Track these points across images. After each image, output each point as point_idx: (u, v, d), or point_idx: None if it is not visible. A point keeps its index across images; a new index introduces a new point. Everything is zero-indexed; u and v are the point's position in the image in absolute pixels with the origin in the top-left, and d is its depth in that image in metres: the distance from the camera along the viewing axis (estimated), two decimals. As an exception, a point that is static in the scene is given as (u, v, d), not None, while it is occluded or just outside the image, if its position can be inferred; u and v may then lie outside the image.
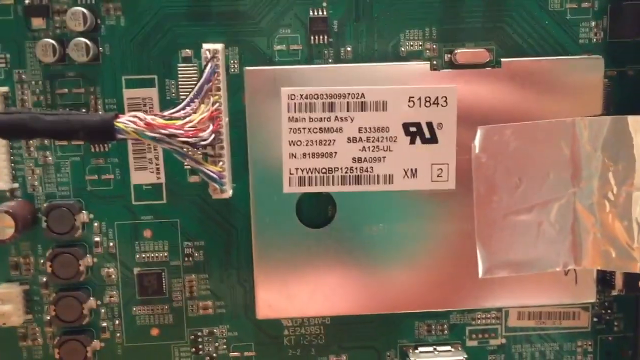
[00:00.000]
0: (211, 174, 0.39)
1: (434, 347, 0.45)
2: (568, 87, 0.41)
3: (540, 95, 0.41)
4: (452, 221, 0.42)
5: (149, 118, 0.37)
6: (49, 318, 0.43)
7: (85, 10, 0.39)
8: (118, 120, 0.36)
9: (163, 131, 0.37)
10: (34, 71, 0.41)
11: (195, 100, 0.38)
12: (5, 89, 0.40)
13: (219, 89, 0.38)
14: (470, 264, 0.42)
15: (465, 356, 0.44)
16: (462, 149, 0.41)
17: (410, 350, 0.45)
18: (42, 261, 0.42)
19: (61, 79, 0.41)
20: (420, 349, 0.45)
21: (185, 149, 0.37)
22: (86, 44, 0.39)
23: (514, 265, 0.43)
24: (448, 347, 0.45)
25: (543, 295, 0.44)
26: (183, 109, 0.38)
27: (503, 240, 0.42)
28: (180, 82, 0.41)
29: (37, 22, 0.40)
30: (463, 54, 0.41)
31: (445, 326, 0.45)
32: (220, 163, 0.39)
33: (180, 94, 0.41)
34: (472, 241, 0.42)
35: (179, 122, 0.37)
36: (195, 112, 0.38)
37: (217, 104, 0.38)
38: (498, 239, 0.42)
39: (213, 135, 0.38)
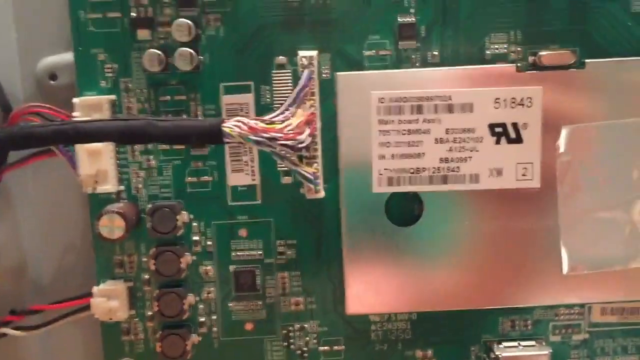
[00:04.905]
0: (307, 174, 0.41)
1: (518, 342, 0.46)
2: (651, 86, 0.42)
3: (624, 95, 0.42)
4: (536, 219, 0.43)
5: (252, 122, 0.39)
6: (150, 313, 0.45)
7: (189, 22, 0.42)
8: (224, 124, 0.38)
9: (265, 135, 0.39)
10: (138, 80, 0.43)
11: (293, 105, 0.40)
12: (112, 97, 0.43)
13: (314, 94, 0.40)
14: (555, 260, 0.44)
15: (551, 350, 0.45)
16: (547, 149, 0.42)
17: (495, 345, 0.46)
18: (144, 259, 0.45)
19: (164, 87, 0.43)
20: (505, 344, 0.46)
21: (283, 152, 0.40)
22: (191, 54, 0.42)
23: (598, 262, 0.44)
24: (532, 342, 0.46)
25: (626, 291, 0.44)
26: (282, 113, 0.40)
27: (587, 238, 0.43)
28: (274, 88, 0.43)
29: (143, 34, 0.42)
30: (548, 56, 0.42)
31: (529, 322, 0.46)
32: (315, 164, 0.41)
33: (275, 99, 0.43)
34: (556, 238, 0.43)
35: (279, 126, 0.39)
36: (293, 117, 0.40)
37: (313, 108, 0.40)
38: (582, 237, 0.43)
39: (310, 138, 0.40)
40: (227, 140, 0.38)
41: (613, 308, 0.46)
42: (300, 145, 0.40)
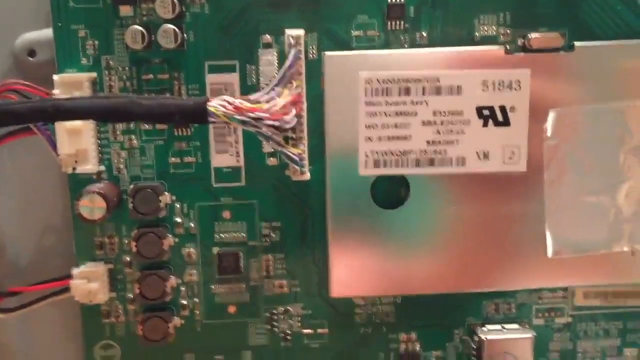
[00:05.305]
0: (292, 156, 0.40)
1: (502, 325, 0.46)
2: (639, 70, 0.42)
3: (612, 78, 0.42)
4: (522, 202, 0.43)
5: (237, 102, 0.38)
6: (132, 296, 0.44)
7: (174, -2, 0.41)
8: (209, 103, 0.37)
9: (250, 114, 0.38)
10: (120, 57, 0.42)
11: (279, 85, 0.39)
12: (93, 74, 0.42)
13: (300, 74, 0.40)
14: (539, 244, 0.44)
15: (535, 334, 0.45)
16: (533, 132, 0.42)
17: (479, 328, 0.46)
18: (126, 241, 0.44)
19: (147, 65, 0.42)
20: (488, 327, 0.46)
21: (269, 132, 0.39)
22: (174, 31, 0.41)
23: (583, 246, 0.44)
24: (516, 325, 0.46)
25: (609, 275, 0.45)
26: (268, 93, 0.39)
27: (572, 222, 0.44)
28: (261, 68, 0.42)
29: (125, 10, 0.41)
30: (537, 38, 0.42)
31: (513, 305, 0.46)
32: (301, 146, 0.40)
33: (261, 79, 0.42)
34: (541, 222, 0.43)
35: (265, 106, 0.38)
36: (279, 97, 0.39)
37: (299, 89, 0.40)
38: (567, 220, 0.43)
39: (296, 119, 0.39)
40: (212, 119, 0.37)
41: (596, 292, 0.46)
42: (286, 126, 0.39)
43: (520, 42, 0.42)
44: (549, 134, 0.43)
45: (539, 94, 0.42)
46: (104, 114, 0.36)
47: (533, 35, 0.42)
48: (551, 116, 0.42)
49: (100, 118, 0.37)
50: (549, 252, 0.44)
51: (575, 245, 0.44)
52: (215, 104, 0.37)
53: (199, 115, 0.37)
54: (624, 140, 0.42)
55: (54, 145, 0.42)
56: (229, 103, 0.38)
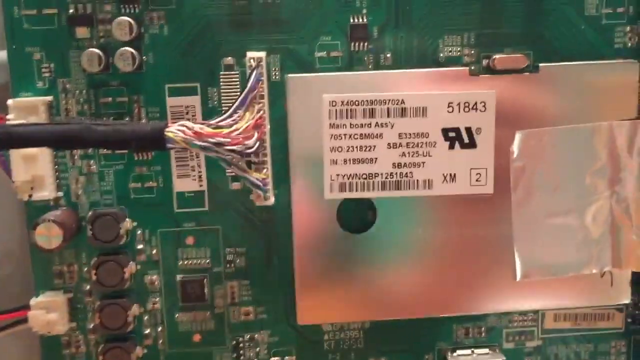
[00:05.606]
0: (256, 181, 0.39)
1: (472, 349, 0.45)
2: (604, 91, 0.42)
3: (577, 99, 0.42)
4: (489, 225, 0.43)
5: (196, 127, 0.37)
6: (92, 326, 0.43)
7: (130, 20, 0.40)
8: (168, 129, 0.36)
9: (211, 140, 0.37)
10: (77, 80, 0.41)
11: (240, 108, 0.38)
12: (49, 98, 0.41)
13: (262, 97, 0.39)
14: (508, 267, 0.43)
15: (504, 358, 0.44)
16: (500, 154, 0.42)
17: (449, 353, 0.45)
18: (85, 269, 0.43)
19: (105, 88, 0.41)
20: (459, 351, 0.45)
21: (230, 157, 0.38)
22: (132, 54, 0.40)
23: (551, 268, 0.43)
24: (486, 350, 0.45)
25: (579, 297, 0.44)
26: (229, 117, 0.38)
27: (540, 244, 0.43)
28: (222, 90, 0.41)
29: (81, 32, 0.40)
30: (501, 59, 0.42)
31: (483, 329, 0.46)
32: (264, 170, 0.40)
33: (223, 102, 0.41)
34: (510, 245, 0.43)
35: (226, 131, 0.37)
36: (240, 120, 0.38)
37: (261, 112, 0.39)
38: (535, 243, 0.43)
39: (258, 143, 0.38)
40: (171, 146, 0.36)
41: (566, 314, 0.46)
42: (248, 151, 0.38)
43: (484, 62, 0.42)
44: (515, 155, 0.42)
45: (504, 115, 0.42)
46: (57, 141, 0.35)
47: (497, 56, 0.42)
48: (517, 138, 0.42)
49: (54, 145, 0.36)
50: (518, 274, 0.43)
51: (544, 268, 0.43)
52: (173, 130, 0.36)
53: (157, 142, 0.36)
54: (590, 162, 0.42)
55: (9, 171, 0.41)
56: (188, 128, 0.37)
